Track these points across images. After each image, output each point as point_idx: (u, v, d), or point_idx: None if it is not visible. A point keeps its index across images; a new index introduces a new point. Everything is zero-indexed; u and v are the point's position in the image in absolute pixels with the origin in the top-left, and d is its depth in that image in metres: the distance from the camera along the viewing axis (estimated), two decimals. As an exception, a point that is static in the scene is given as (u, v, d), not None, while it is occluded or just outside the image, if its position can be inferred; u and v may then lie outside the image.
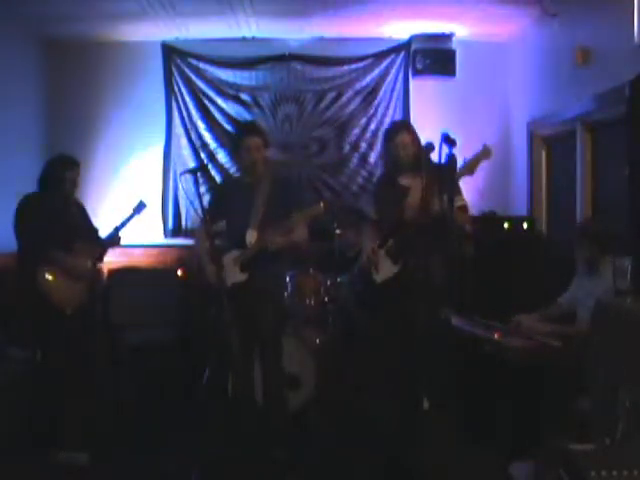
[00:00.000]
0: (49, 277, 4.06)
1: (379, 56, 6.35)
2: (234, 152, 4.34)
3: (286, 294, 4.94)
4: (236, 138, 4.23)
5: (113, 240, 4.44)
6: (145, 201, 4.60)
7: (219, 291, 3.75)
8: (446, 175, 3.56)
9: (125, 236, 4.52)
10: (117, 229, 4.45)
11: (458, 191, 3.85)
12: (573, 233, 4.07)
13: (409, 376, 3.88)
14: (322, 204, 3.90)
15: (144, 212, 4.60)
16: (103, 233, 4.43)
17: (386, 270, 3.93)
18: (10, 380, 4.39)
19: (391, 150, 4.04)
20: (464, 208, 3.96)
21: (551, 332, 3.75)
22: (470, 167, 3.72)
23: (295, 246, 4.01)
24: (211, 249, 3.84)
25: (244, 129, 4.40)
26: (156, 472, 3.85)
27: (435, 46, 6.09)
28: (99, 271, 5.29)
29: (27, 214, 4.15)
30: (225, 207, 4.11)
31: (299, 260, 5.26)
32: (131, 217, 4.52)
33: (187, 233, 6.38)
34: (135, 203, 4.57)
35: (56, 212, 4.18)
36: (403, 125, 4.20)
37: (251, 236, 3.96)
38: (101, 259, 4.48)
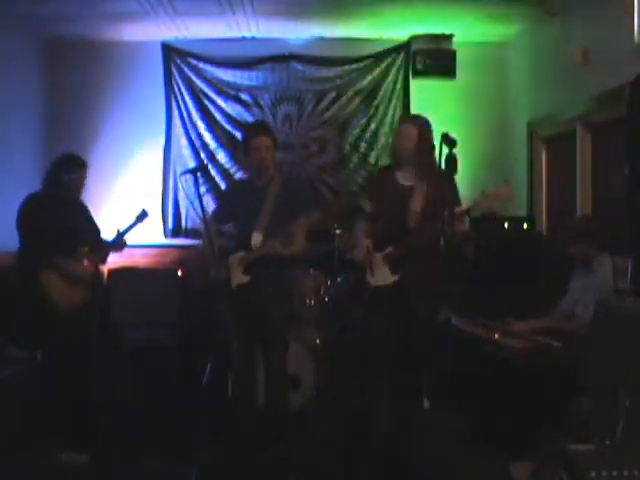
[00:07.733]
0: (50, 279, 4.05)
1: (379, 56, 6.36)
2: (242, 152, 4.23)
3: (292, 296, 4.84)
4: (245, 137, 4.14)
5: (118, 244, 4.43)
6: (147, 210, 4.60)
7: (220, 292, 3.76)
8: (446, 178, 3.54)
9: (127, 239, 4.53)
10: (121, 235, 4.43)
11: (457, 198, 3.79)
12: (568, 231, 4.07)
13: (409, 376, 3.87)
14: (318, 213, 3.90)
15: (146, 220, 4.60)
16: (105, 235, 4.42)
17: (383, 277, 3.88)
18: (10, 380, 4.38)
19: (393, 138, 3.99)
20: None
21: (550, 327, 3.75)
22: (488, 204, 3.67)
23: (294, 255, 3.97)
24: (215, 250, 3.86)
25: (253, 128, 4.34)
26: (156, 472, 3.85)
27: (435, 47, 6.08)
28: (101, 273, 5.28)
29: (31, 214, 4.11)
30: (234, 209, 4.12)
31: (298, 261, 5.25)
32: (133, 225, 4.50)
33: (187, 233, 6.38)
34: (138, 211, 4.56)
35: (60, 213, 4.14)
36: (412, 116, 4.07)
37: (256, 239, 3.97)
38: (104, 261, 4.48)
